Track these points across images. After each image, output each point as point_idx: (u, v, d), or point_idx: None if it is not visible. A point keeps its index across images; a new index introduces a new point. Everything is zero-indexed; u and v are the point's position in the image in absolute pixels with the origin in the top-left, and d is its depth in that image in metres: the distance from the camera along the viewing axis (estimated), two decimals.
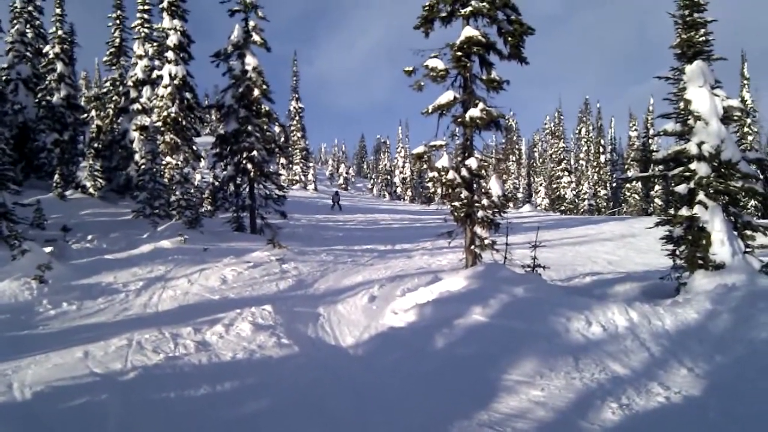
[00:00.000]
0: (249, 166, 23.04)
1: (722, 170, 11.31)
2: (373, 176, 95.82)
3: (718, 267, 10.87)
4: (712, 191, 11.26)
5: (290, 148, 58.88)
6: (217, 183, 25.27)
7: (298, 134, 62.54)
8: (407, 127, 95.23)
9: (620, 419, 5.81)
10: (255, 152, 22.99)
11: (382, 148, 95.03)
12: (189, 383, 6.82)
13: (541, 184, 71.49)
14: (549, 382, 6.82)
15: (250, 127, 23.38)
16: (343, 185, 79.75)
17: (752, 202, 39.73)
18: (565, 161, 65.78)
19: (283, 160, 53.81)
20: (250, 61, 23.76)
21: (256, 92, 23.64)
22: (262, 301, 11.01)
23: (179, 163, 24.03)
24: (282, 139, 35.58)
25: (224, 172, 23.93)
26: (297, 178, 62.35)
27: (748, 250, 11.54)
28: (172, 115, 24.83)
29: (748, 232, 11.82)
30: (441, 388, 6.86)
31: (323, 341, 9.31)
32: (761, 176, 13.78)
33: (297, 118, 62.80)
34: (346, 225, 29.92)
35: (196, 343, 8.46)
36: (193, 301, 11.54)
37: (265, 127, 24.47)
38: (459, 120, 12.85)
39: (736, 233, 11.47)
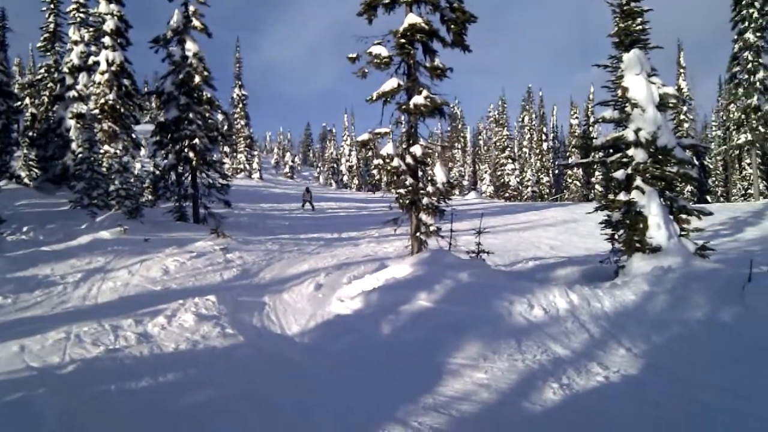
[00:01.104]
0: (191, 154, 22.59)
1: (658, 156, 11.62)
2: (320, 165, 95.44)
3: (655, 250, 11.19)
4: (648, 177, 11.56)
5: (234, 136, 58.07)
6: (158, 172, 24.71)
7: (242, 122, 61.73)
8: (353, 115, 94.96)
9: (561, 399, 5.94)
10: (197, 140, 22.56)
11: (328, 137, 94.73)
12: (130, 376, 6.66)
13: (485, 172, 72.48)
14: (493, 365, 6.92)
15: (191, 115, 22.92)
16: (289, 174, 79.17)
17: (688, 188, 41.16)
18: (508, 149, 66.83)
19: (226, 149, 52.95)
20: (191, 46, 23.27)
21: (197, 79, 23.17)
22: (205, 292, 10.83)
23: (118, 151, 23.35)
24: (225, 127, 34.93)
25: (165, 161, 23.41)
26: (241, 166, 61.60)
27: (683, 233, 11.90)
28: (110, 102, 24.13)
29: (684, 216, 12.20)
30: (387, 374, 6.88)
31: (269, 330, 9.22)
32: (696, 162, 14.20)
33: (240, 105, 61.93)
34: (292, 214, 29.73)
35: (137, 335, 8.26)
36: (134, 293, 11.27)
37: (207, 114, 24.03)
38: (403, 107, 12.84)
39: (671, 217, 11.82)
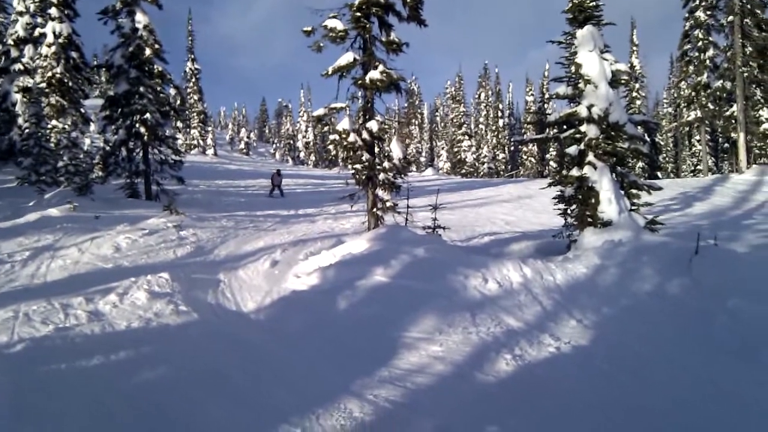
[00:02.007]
0: (142, 129, 22.05)
1: (610, 132, 11.81)
2: (276, 141, 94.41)
3: (606, 224, 11.42)
4: (600, 152, 11.75)
5: (187, 112, 56.91)
6: (108, 148, 24.02)
7: (195, 97, 60.42)
8: (309, 90, 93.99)
9: (514, 369, 6.07)
10: (148, 115, 22.02)
11: (284, 112, 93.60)
12: (81, 354, 6.52)
13: (442, 148, 72.76)
14: (447, 338, 7.01)
15: (142, 89, 22.34)
16: (244, 150, 78.24)
17: (639, 164, 42.01)
18: (465, 125, 67.14)
19: (179, 124, 51.83)
20: (141, 18, 22.60)
21: (148, 51, 22.56)
22: (158, 269, 10.63)
23: (66, 126, 22.64)
24: (178, 101, 34.25)
25: (115, 137, 22.78)
26: (195, 142, 60.43)
27: (633, 208, 12.19)
28: (58, 75, 23.42)
29: (634, 191, 12.50)
30: (343, 349, 6.90)
31: (224, 307, 9.13)
32: (647, 138, 14.52)
33: (193, 80, 60.60)
34: (247, 191, 29.41)
35: (88, 313, 8.08)
36: (84, 271, 11.00)
37: (158, 88, 23.45)
38: (359, 82, 12.76)
39: (622, 192, 12.07)
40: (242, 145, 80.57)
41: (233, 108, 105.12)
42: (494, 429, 4.71)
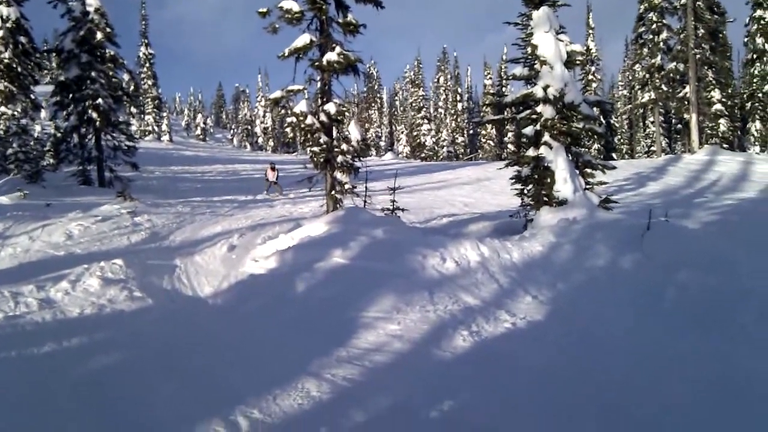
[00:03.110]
0: (94, 115, 21.55)
1: (566, 112, 11.95)
2: (233, 126, 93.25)
3: (562, 203, 11.58)
4: (556, 132, 11.88)
5: (141, 97, 55.72)
6: (59, 134, 23.42)
7: (150, 82, 59.17)
8: (267, 75, 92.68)
9: (470, 345, 6.12)
10: (100, 100, 21.53)
11: (241, 97, 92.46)
12: (32, 341, 6.38)
13: (402, 132, 72.87)
14: (405, 317, 7.03)
15: (94, 74, 21.82)
16: (201, 136, 77.12)
17: (595, 146, 42.69)
18: (424, 109, 67.26)
19: (133, 110, 50.73)
20: (92, 1, 22.06)
21: (100, 35, 22.03)
22: (111, 255, 10.44)
23: (16, 113, 21.94)
24: (131, 87, 33.49)
25: (67, 123, 22.25)
26: (150, 128, 59.34)
27: (588, 186, 12.38)
28: (6, 61, 22.55)
29: (589, 171, 12.68)
30: (302, 331, 6.88)
31: (180, 293, 9.02)
32: (602, 119, 14.73)
33: (147, 65, 59.21)
34: (204, 176, 29.02)
35: (39, 301, 7.90)
36: (35, 258, 10.74)
37: (110, 73, 22.96)
38: (316, 64, 12.63)
39: (577, 171, 12.24)
40: (199, 131, 79.37)
41: (189, 93, 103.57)
42: (451, 403, 4.75)
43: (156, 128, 59.90)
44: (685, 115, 37.28)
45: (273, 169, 23.61)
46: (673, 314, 6.93)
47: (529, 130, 12.17)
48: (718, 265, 7.91)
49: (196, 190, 22.61)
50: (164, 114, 62.80)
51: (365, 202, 13.54)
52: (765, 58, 38.28)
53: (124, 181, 21.31)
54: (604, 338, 6.33)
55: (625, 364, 5.59)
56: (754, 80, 38.97)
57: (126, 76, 27.32)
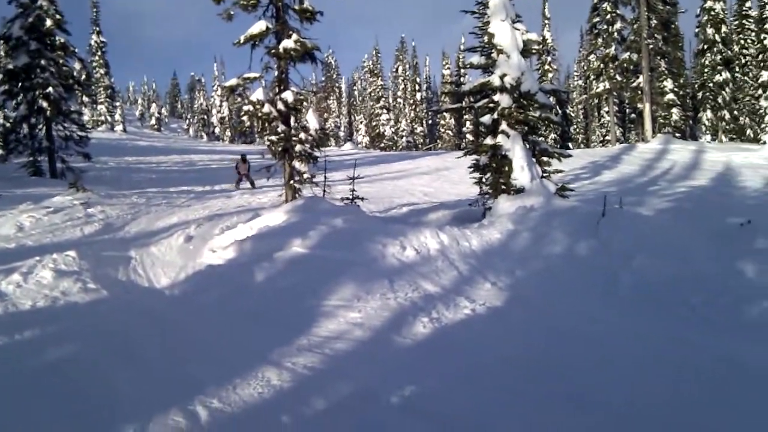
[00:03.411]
0: (44, 104, 20.95)
1: (522, 101, 12.07)
2: (189, 116, 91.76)
3: (519, 191, 11.71)
4: (513, 121, 11.98)
5: (93, 86, 54.39)
6: (8, 124, 22.74)
7: (102, 71, 57.86)
8: (223, 64, 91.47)
9: (431, 331, 6.16)
10: (51, 89, 20.93)
11: (196, 87, 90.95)
12: None
13: (361, 122, 72.70)
14: (366, 305, 7.04)
15: (43, 62, 21.19)
16: (156, 126, 75.74)
17: (552, 136, 43.23)
18: (383, 99, 67.23)
19: (85, 99, 49.50)
20: None
21: (49, 22, 21.40)
22: (64, 247, 10.18)
23: None
24: (83, 76, 32.65)
25: (16, 112, 21.58)
26: (102, 118, 58.04)
27: (544, 174, 12.53)
28: None
29: (545, 159, 12.83)
30: (261, 320, 6.84)
31: (136, 284, 8.87)
32: (558, 108, 14.90)
33: (99, 53, 57.88)
34: (160, 167, 28.51)
35: None
36: None
37: (61, 61, 22.34)
38: (273, 51, 12.48)
39: (534, 160, 12.38)
40: (153, 121, 78.02)
41: (143, 83, 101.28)
42: (412, 388, 4.77)
43: (109, 118, 58.65)
44: (639, 105, 38.03)
45: (244, 161, 21.33)
46: (629, 298, 7.10)
47: (486, 119, 12.25)
48: (671, 251, 8.12)
49: (151, 181, 22.19)
50: (117, 104, 61.55)
51: (324, 191, 13.49)
52: (715, 49, 39.29)
53: (77, 172, 20.77)
54: (562, 323, 6.44)
55: (583, 348, 5.69)
56: (705, 70, 39.96)
57: (77, 65, 26.65)
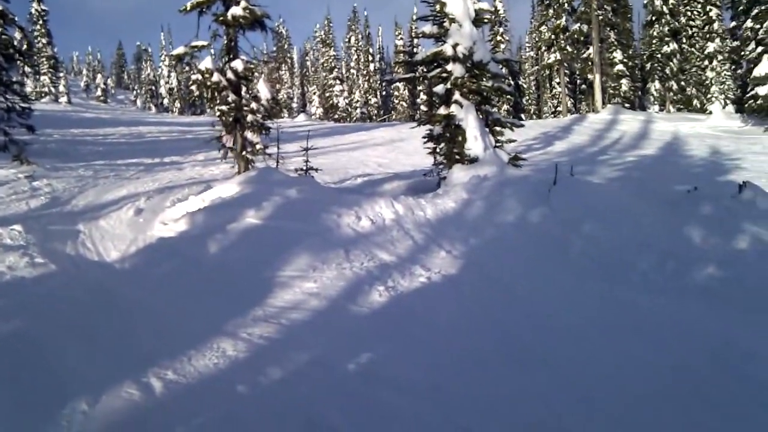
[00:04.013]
0: None
1: (475, 71, 12.09)
2: (136, 87, 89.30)
3: (473, 161, 11.78)
4: (466, 91, 12.02)
5: (35, 56, 52.42)
6: None
7: (44, 40, 55.67)
8: (170, 33, 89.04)
9: (386, 299, 6.20)
10: None
11: (143, 57, 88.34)
12: None
13: (314, 93, 71.79)
14: (322, 275, 7.03)
15: None
16: (102, 97, 73.58)
17: (505, 107, 43.59)
18: (336, 70, 66.51)
19: (27, 70, 47.64)
20: None
21: None
22: (9, 222, 9.85)
23: None
24: (24, 45, 31.35)
25: None
26: (46, 90, 56.02)
27: (498, 144, 12.64)
28: None
29: (498, 129, 12.93)
30: (215, 292, 6.74)
31: (85, 258, 8.66)
32: (510, 79, 15.02)
33: (41, 22, 55.61)
34: (107, 140, 27.68)
35: None
36: None
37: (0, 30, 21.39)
38: (221, 19, 12.17)
39: (487, 130, 12.46)
40: (99, 93, 75.64)
41: (87, 53, 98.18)
42: (368, 355, 4.81)
43: (53, 89, 56.65)
44: (589, 76, 38.62)
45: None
46: (580, 264, 7.27)
47: (440, 89, 12.24)
48: (620, 218, 8.30)
49: (98, 154, 21.55)
50: (61, 74, 59.47)
51: (278, 163, 13.34)
52: (663, 20, 40.02)
53: (20, 144, 19.98)
54: (515, 289, 6.55)
55: (535, 312, 5.82)
56: (654, 41, 40.74)
57: (17, 34, 25.58)
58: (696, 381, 4.31)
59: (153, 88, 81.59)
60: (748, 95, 29.79)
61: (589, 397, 4.10)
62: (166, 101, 78.43)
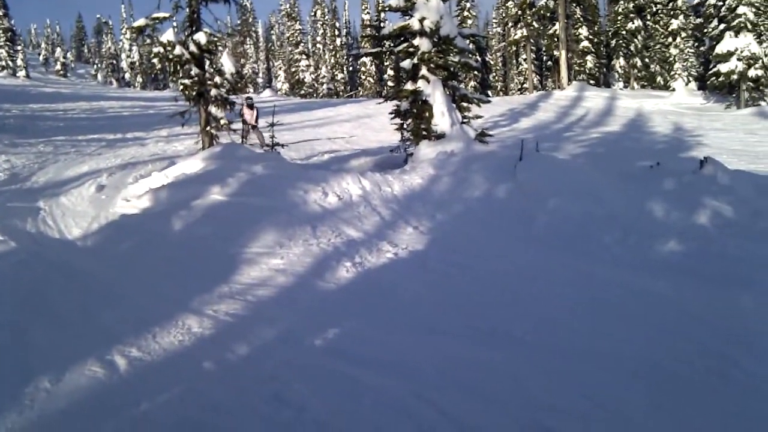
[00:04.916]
0: None
1: (442, 46, 12.05)
2: (97, 61, 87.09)
3: (440, 137, 11.80)
4: (433, 66, 11.99)
5: None
6: None
7: (0, 12, 53.98)
8: (131, 5, 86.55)
9: (354, 275, 6.21)
10: None
11: (104, 30, 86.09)
12: None
13: (280, 69, 70.83)
14: (288, 251, 7.00)
15: None
16: (61, 72, 71.65)
17: (472, 83, 43.62)
18: (302, 44, 65.65)
19: None
20: None
21: None
22: None
23: None
24: None
25: None
26: (3, 63, 54.39)
27: (464, 120, 12.66)
28: None
29: (465, 105, 12.95)
30: (180, 269, 6.67)
31: (46, 235, 8.48)
32: (477, 55, 14.99)
33: None
34: (67, 115, 27.05)
35: None
36: None
37: None
38: None
39: (454, 105, 12.47)
40: (59, 66, 73.61)
41: (45, 25, 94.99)
42: (335, 331, 4.81)
43: (10, 63, 54.97)
44: (555, 52, 38.80)
45: (251, 107, 16.57)
46: (545, 238, 7.35)
47: (406, 64, 12.19)
48: (585, 193, 8.40)
49: (58, 129, 21.03)
50: (19, 48, 57.61)
51: (243, 138, 13.19)
52: None
53: None
54: (480, 263, 6.60)
55: (500, 285, 5.89)
56: (618, 18, 41.03)
57: None
58: (660, 356, 4.39)
59: (114, 62, 79.78)
60: (710, 72, 30.29)
61: (554, 370, 4.16)
62: (127, 75, 76.74)
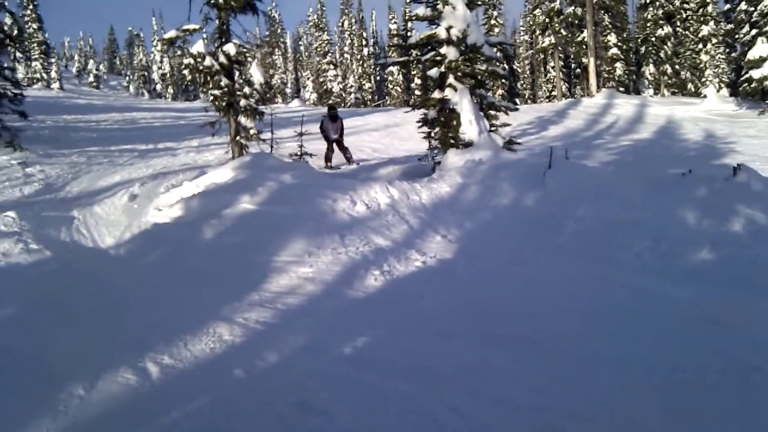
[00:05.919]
0: None
1: (469, 54, 12.03)
2: (129, 73, 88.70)
3: (468, 145, 11.75)
4: (460, 74, 11.96)
5: (26, 42, 51.99)
6: None
7: (35, 26, 55.15)
8: (162, 18, 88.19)
9: (382, 284, 6.21)
10: None
11: (135, 42, 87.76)
12: None
13: (308, 79, 71.38)
14: (317, 259, 7.03)
15: None
16: (94, 83, 72.96)
17: (499, 92, 43.48)
18: (330, 54, 66.11)
19: (18, 55, 47.31)
20: None
21: None
22: (4, 208, 9.79)
23: None
24: (15, 30, 31.09)
25: None
26: (38, 76, 55.60)
27: (492, 128, 12.61)
28: None
29: (493, 113, 12.89)
30: (211, 278, 6.75)
31: (79, 244, 8.62)
32: (504, 64, 14.95)
33: (31, 6, 55.06)
34: (100, 126, 27.54)
35: None
36: None
37: None
38: (212, 2, 12.05)
39: (482, 113, 12.42)
40: (91, 78, 74.99)
41: (78, 38, 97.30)
42: (362, 339, 4.82)
43: (45, 75, 56.19)
44: (584, 60, 38.50)
45: (334, 118, 15.09)
46: (573, 246, 7.27)
47: (434, 72, 12.18)
48: (614, 200, 8.29)
49: (91, 140, 21.41)
50: (53, 60, 58.91)
51: (272, 147, 13.30)
52: (657, 3, 39.88)
53: (13, 131, 19.87)
54: (507, 271, 6.57)
55: (526, 293, 5.85)
56: (648, 24, 40.63)
57: (8, 19, 25.48)
58: (695, 368, 4.31)
59: (145, 73, 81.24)
60: (742, 78, 29.75)
61: (581, 380, 4.11)
62: (158, 87, 78.06)
